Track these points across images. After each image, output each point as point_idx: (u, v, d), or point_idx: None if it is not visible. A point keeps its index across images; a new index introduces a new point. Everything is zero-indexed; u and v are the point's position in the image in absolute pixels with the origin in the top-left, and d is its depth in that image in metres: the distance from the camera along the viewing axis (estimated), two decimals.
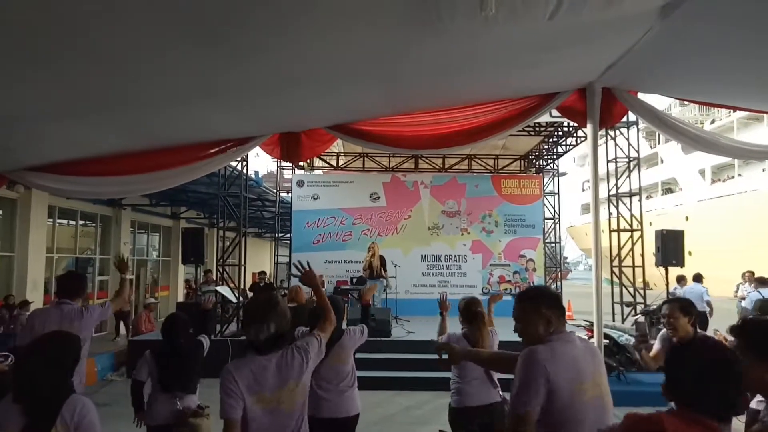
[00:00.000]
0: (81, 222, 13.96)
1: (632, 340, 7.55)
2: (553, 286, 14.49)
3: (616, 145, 11.12)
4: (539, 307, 2.16)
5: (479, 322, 3.82)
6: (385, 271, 11.15)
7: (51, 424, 2.10)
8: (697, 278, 10.74)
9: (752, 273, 10.63)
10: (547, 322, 2.13)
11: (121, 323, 13.26)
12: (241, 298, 10.34)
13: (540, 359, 2.00)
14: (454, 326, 4.05)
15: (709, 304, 10.03)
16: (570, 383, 1.99)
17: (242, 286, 10.55)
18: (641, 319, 9.25)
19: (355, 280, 12.61)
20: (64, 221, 13.43)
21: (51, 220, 12.39)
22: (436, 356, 3.12)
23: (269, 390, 2.34)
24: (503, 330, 4.04)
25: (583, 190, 44.78)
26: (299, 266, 2.96)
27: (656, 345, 3.71)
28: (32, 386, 2.16)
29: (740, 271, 11.32)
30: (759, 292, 9.08)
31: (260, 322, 2.39)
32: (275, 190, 15.16)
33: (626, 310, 10.66)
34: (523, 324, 2.20)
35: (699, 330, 3.47)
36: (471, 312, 3.88)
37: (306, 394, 2.49)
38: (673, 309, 3.42)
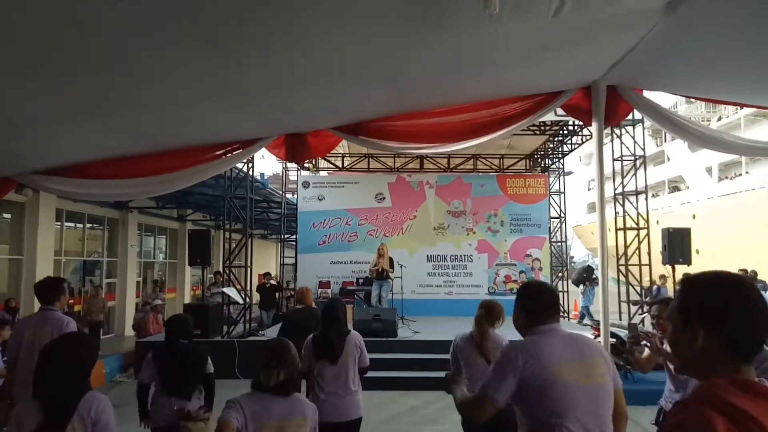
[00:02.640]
0: (88, 225, 14.04)
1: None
2: (558, 285, 14.45)
3: (621, 143, 11.08)
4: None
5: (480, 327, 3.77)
6: (392, 271, 11.20)
7: (67, 420, 2.15)
8: None
9: (754, 272, 10.66)
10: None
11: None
12: (247, 299, 10.37)
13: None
14: (464, 326, 4.05)
15: None
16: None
17: (248, 288, 10.58)
18: (635, 320, 9.24)
19: (361, 281, 12.63)
20: (72, 224, 13.52)
21: (59, 223, 12.48)
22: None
23: (274, 418, 2.42)
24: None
25: (589, 189, 44.59)
26: None
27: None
28: (50, 383, 2.22)
29: (749, 269, 11.27)
30: None
31: (271, 368, 2.46)
32: (281, 192, 15.20)
33: (633, 308, 10.62)
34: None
35: None
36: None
37: None
38: (662, 309, 3.40)
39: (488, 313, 3.76)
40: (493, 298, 4.06)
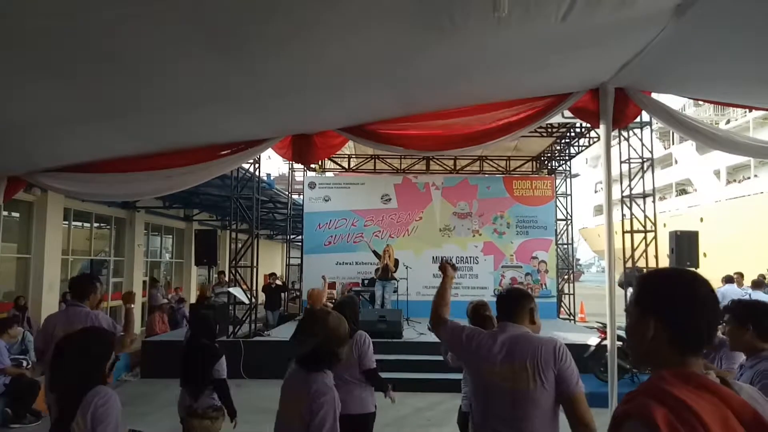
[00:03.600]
0: (96, 224, 14.11)
1: None
2: (565, 289, 14.39)
3: (629, 145, 11.02)
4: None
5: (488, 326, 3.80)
6: (395, 270, 11.22)
7: (74, 413, 2.17)
8: (729, 279, 10.53)
9: (741, 275, 10.54)
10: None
11: None
12: (253, 300, 10.39)
13: None
14: None
15: None
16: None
17: (254, 288, 10.60)
18: None
19: (366, 281, 12.63)
20: (79, 223, 13.59)
21: (66, 222, 12.55)
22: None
23: (287, 393, 2.45)
24: None
25: (596, 191, 44.46)
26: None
27: None
28: (63, 378, 2.27)
29: (756, 272, 11.18)
30: None
31: (298, 338, 2.44)
32: (287, 192, 15.22)
33: None
34: None
35: None
36: (479, 316, 3.85)
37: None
38: None
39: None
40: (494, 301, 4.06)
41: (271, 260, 25.30)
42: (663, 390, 1.15)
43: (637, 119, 9.60)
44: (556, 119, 10.53)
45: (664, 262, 10.03)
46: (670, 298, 1.25)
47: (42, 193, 10.67)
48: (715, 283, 10.25)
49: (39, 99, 2.74)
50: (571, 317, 14.00)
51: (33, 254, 11.17)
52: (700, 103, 27.58)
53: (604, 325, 7.47)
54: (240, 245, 10.64)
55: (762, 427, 1.10)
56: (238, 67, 2.69)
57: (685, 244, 9.63)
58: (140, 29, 2.11)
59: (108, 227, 14.66)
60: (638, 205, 10.81)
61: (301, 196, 14.72)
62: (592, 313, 15.57)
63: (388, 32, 2.46)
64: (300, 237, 14.52)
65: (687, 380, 1.16)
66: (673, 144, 35.65)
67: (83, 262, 13.72)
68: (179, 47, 2.34)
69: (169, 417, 6.45)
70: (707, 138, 3.76)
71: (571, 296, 14.29)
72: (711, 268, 11.17)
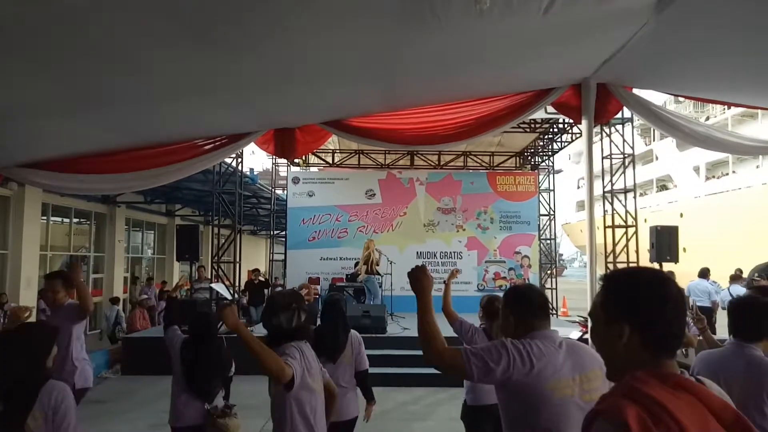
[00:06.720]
0: (75, 219, 13.88)
1: None
2: (547, 283, 14.53)
3: (611, 141, 11.14)
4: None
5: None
6: (362, 269, 11.29)
7: (28, 410, 2.14)
8: (703, 274, 10.55)
9: (740, 270, 10.70)
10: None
11: None
12: (236, 296, 10.32)
13: None
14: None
15: (714, 303, 9.85)
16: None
17: (237, 283, 10.53)
18: None
19: (349, 276, 12.61)
20: (58, 219, 13.36)
21: (45, 217, 12.32)
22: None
23: (314, 369, 2.57)
24: None
25: (578, 187, 44.83)
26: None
27: None
28: (4, 373, 2.21)
29: (734, 267, 11.36)
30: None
31: (291, 309, 2.55)
32: (270, 188, 15.12)
33: None
34: None
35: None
36: (493, 308, 3.87)
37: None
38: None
39: None
40: (482, 295, 4.07)
41: (255, 256, 25.13)
42: (637, 389, 1.10)
43: (619, 115, 9.70)
44: (539, 114, 10.59)
45: (645, 257, 10.16)
46: (644, 300, 1.20)
47: (19, 188, 10.45)
48: (694, 277, 10.40)
49: (18, 91, 2.68)
50: (554, 311, 14.14)
51: (10, 250, 10.95)
52: (681, 99, 27.96)
53: (586, 319, 7.55)
54: (223, 241, 10.56)
55: (744, 428, 1.07)
56: (221, 60, 2.65)
57: (666, 238, 9.75)
58: (120, 20, 2.07)
59: (88, 222, 14.42)
60: (620, 201, 10.94)
61: (285, 192, 14.64)
62: (574, 307, 15.77)
63: (371, 27, 2.45)
64: (284, 232, 14.43)
65: (664, 380, 1.12)
66: (654, 140, 36.09)
67: (63, 258, 13.50)
68: (159, 38, 2.30)
69: (150, 415, 6.39)
70: (686, 134, 3.81)
71: (554, 291, 14.43)
72: (690, 263, 11.33)
